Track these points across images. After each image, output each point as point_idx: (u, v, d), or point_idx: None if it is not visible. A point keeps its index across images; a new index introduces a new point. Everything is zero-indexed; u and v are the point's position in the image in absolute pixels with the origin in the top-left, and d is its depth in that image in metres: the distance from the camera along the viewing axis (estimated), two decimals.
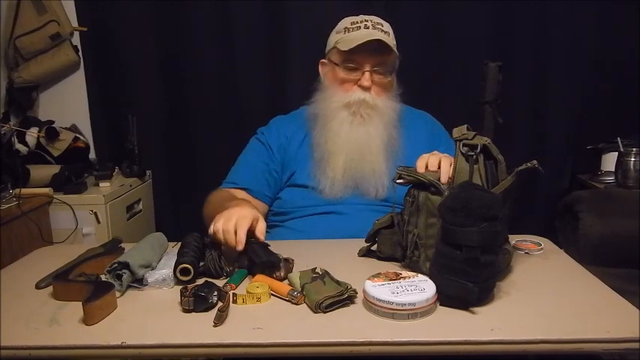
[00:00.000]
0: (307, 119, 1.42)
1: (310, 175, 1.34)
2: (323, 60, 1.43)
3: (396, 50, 1.33)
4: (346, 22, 1.36)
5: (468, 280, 0.82)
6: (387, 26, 1.35)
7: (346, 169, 1.31)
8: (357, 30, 1.32)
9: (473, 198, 0.83)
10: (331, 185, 1.30)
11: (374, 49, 1.29)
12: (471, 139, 0.97)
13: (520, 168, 0.94)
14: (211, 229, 1.04)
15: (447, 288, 0.84)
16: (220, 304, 0.83)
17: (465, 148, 0.96)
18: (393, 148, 1.33)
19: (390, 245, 1.05)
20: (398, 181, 1.01)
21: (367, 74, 1.31)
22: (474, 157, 0.95)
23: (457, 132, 0.99)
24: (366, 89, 1.31)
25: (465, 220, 0.82)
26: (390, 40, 1.33)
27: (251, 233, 1.02)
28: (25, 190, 1.80)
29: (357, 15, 1.38)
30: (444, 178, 0.98)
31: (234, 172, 1.43)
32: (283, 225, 1.35)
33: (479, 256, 0.81)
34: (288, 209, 1.35)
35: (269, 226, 1.39)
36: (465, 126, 0.99)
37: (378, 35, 1.29)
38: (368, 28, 1.31)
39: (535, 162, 0.94)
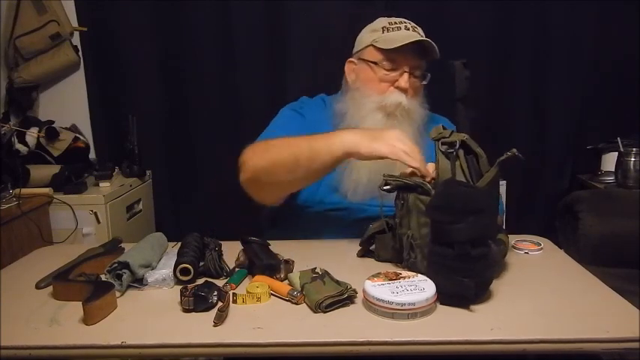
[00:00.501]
0: (334, 114, 1.34)
1: (333, 173, 1.25)
2: (351, 59, 1.38)
3: (438, 53, 1.28)
4: (383, 21, 1.33)
5: (463, 276, 0.82)
6: (420, 30, 1.32)
7: (372, 173, 1.23)
8: (397, 30, 1.28)
9: (455, 194, 0.84)
10: (354, 189, 1.25)
11: (415, 51, 1.26)
12: (449, 137, 0.97)
13: (501, 158, 0.94)
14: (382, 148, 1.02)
15: (444, 286, 0.84)
16: (220, 303, 0.83)
17: (444, 147, 0.96)
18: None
19: (389, 250, 1.05)
20: (384, 187, 1.01)
21: (406, 75, 1.27)
22: (454, 153, 0.96)
23: (434, 132, 0.99)
24: (403, 91, 1.27)
25: (451, 217, 0.82)
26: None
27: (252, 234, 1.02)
28: (25, 190, 1.80)
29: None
30: (428, 178, 0.99)
31: (270, 133, 1.28)
32: (294, 220, 1.31)
33: (470, 250, 0.81)
34: (309, 203, 1.29)
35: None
36: (441, 125, 1.00)
37: (419, 37, 1.26)
38: (408, 29, 1.29)
39: (515, 150, 0.94)
